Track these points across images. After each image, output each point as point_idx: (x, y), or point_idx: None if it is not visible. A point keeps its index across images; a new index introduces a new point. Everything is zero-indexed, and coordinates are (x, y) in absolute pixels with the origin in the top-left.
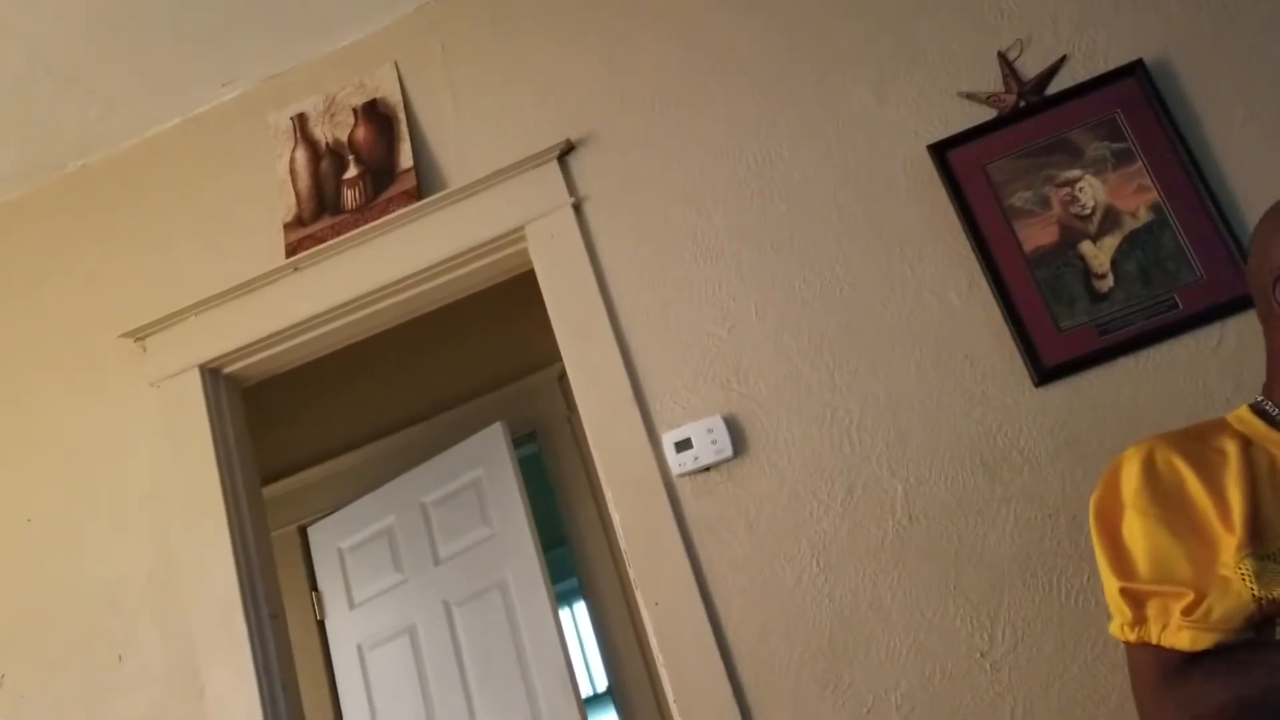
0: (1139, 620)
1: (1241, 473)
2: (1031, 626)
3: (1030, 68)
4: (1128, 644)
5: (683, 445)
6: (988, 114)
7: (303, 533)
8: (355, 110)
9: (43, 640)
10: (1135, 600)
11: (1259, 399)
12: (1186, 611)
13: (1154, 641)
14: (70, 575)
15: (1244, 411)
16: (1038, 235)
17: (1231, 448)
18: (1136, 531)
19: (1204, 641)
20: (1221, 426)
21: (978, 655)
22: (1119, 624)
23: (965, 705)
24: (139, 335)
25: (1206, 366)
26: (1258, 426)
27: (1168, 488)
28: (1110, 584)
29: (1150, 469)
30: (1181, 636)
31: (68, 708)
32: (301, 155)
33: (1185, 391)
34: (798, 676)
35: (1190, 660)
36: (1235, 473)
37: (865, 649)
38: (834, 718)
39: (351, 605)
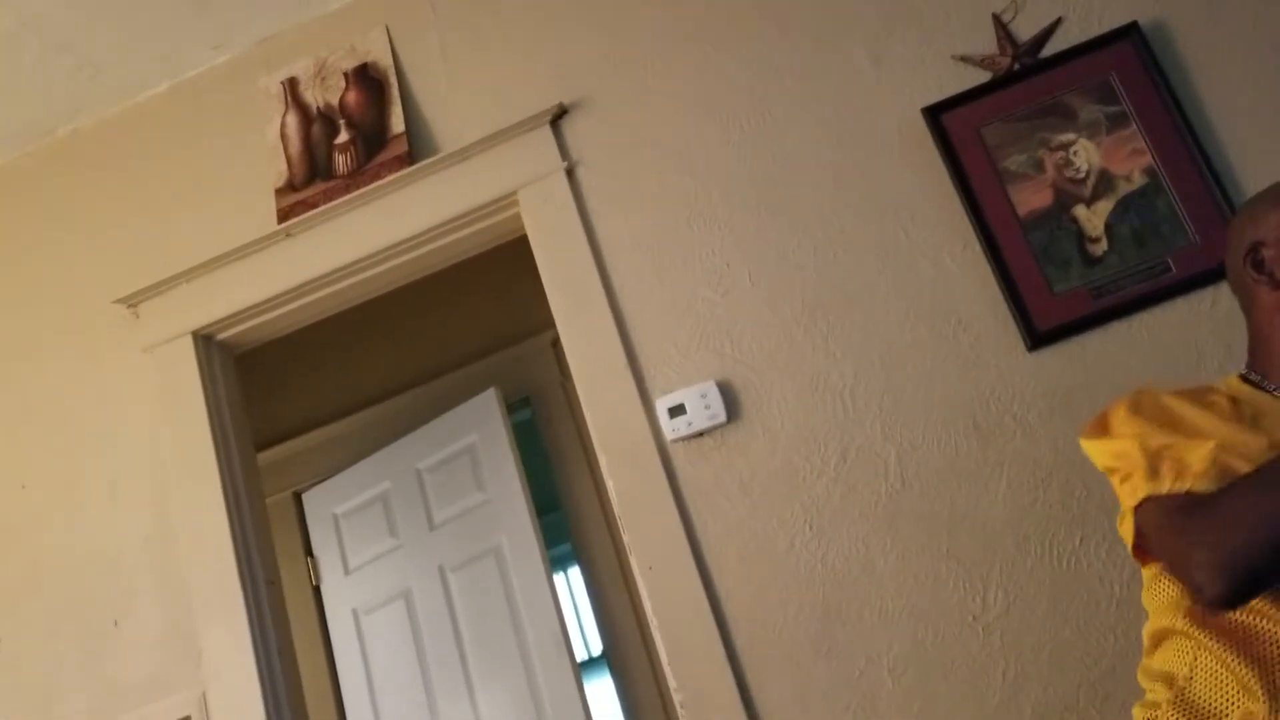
0: (1153, 474)
1: (1234, 413)
2: (1023, 589)
3: (1025, 30)
4: (1139, 507)
5: (676, 410)
6: (982, 76)
7: (297, 498)
8: (346, 74)
9: (39, 605)
10: (1151, 455)
11: (1244, 371)
12: (1217, 448)
13: (1165, 492)
14: (66, 541)
15: (1232, 379)
16: (1032, 199)
17: (1221, 400)
18: (1129, 435)
19: (1224, 481)
20: (1211, 389)
21: (970, 618)
22: (1132, 486)
23: (957, 667)
24: (131, 301)
25: (1199, 329)
26: (1244, 389)
27: (1155, 414)
28: (1124, 446)
29: (1136, 406)
30: (1206, 478)
31: (65, 671)
32: (292, 120)
33: (1178, 354)
34: (791, 639)
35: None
36: (1229, 413)
37: (858, 612)
38: (827, 679)
39: (347, 570)
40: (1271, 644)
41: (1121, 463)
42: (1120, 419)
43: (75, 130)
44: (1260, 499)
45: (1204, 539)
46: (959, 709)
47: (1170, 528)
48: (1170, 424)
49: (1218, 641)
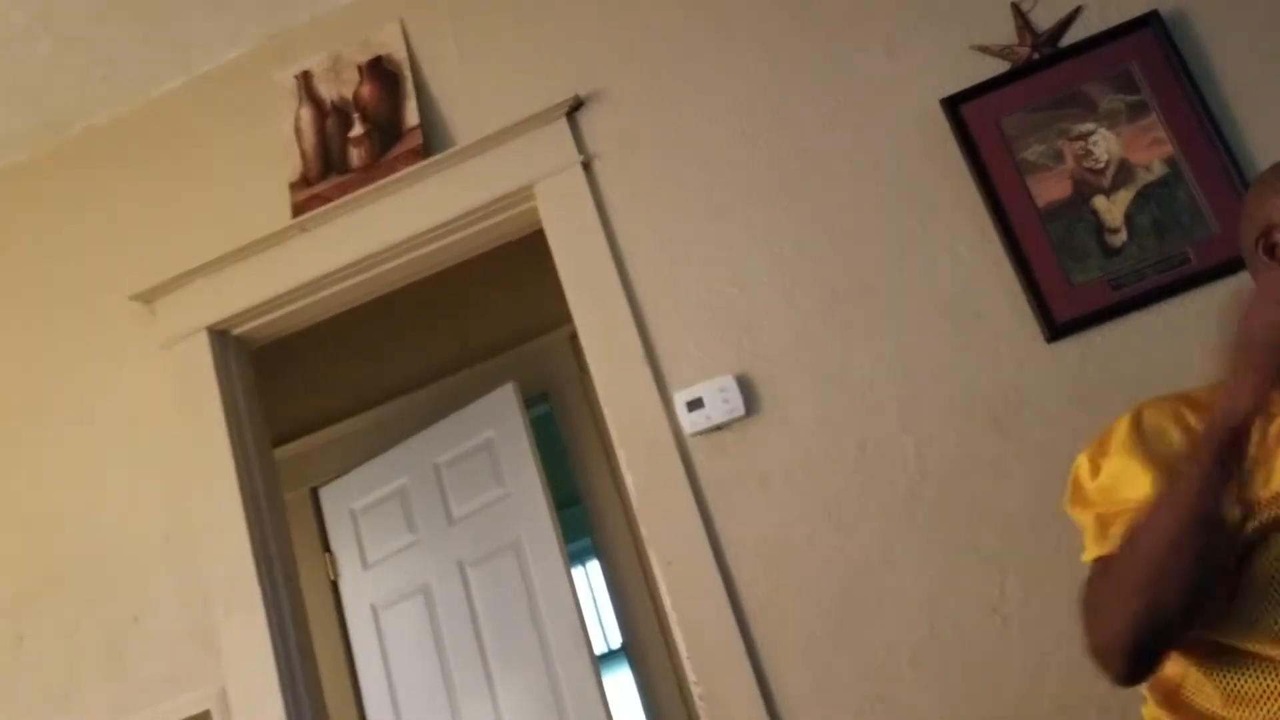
0: (1100, 539)
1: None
2: (1042, 580)
3: (1044, 20)
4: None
5: (694, 404)
6: (1001, 67)
7: (315, 494)
8: (360, 68)
9: (59, 602)
10: (1103, 522)
11: None
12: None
13: (1094, 557)
14: (85, 538)
15: None
16: (1051, 189)
17: (1200, 414)
18: (1115, 467)
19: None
20: (1208, 394)
21: (989, 609)
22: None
23: (977, 659)
24: (147, 298)
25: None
26: None
27: (1152, 435)
28: (1082, 516)
29: (1138, 425)
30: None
31: (86, 668)
32: (307, 114)
33: (1198, 346)
34: (810, 632)
35: None
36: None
37: (877, 604)
38: (846, 672)
39: (365, 566)
40: None
41: (1084, 524)
42: (1119, 439)
43: (89, 126)
44: (1125, 571)
45: (1090, 624)
46: (978, 700)
47: (1085, 587)
48: (1156, 448)
49: None
